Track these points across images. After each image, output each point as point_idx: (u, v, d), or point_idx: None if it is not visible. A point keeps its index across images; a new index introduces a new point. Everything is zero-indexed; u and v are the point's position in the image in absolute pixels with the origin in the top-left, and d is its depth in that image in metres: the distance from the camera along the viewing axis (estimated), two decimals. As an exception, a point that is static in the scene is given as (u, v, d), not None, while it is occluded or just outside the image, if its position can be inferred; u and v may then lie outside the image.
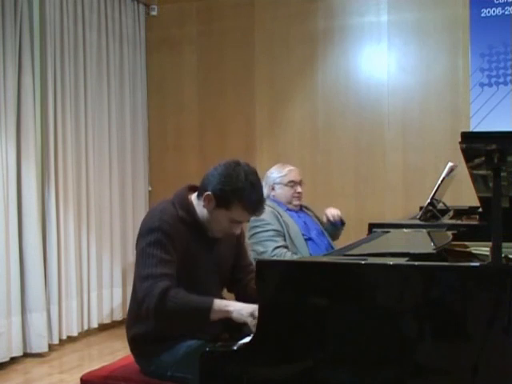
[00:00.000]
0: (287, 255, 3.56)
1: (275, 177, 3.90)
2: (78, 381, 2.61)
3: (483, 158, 1.80)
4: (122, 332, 2.75)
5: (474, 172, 2.04)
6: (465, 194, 4.42)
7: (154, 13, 6.21)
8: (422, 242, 2.67)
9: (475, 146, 1.72)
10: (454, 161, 3.64)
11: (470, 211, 3.92)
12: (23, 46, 4.70)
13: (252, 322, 2.15)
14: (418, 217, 3.42)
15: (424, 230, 2.92)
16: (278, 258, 3.47)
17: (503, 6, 5.18)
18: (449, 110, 5.36)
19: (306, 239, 3.75)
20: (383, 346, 1.80)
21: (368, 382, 1.82)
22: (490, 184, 1.81)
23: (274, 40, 5.85)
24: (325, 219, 3.91)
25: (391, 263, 1.85)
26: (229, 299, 2.43)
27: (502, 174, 1.78)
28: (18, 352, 4.60)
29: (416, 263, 1.87)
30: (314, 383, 1.85)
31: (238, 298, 2.60)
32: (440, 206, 3.74)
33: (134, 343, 2.52)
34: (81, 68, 5.31)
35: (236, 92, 5.96)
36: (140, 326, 2.48)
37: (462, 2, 5.29)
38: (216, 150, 5.77)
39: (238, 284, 2.67)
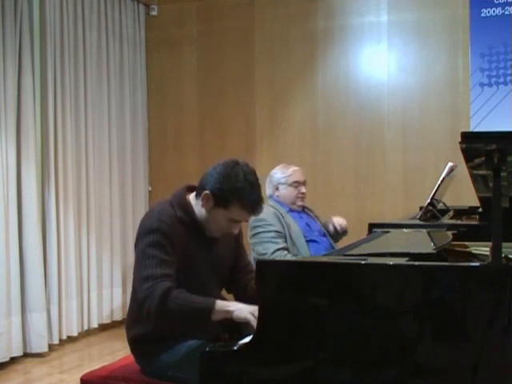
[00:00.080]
0: (287, 258, 3.55)
1: (279, 177, 3.90)
2: (78, 381, 2.61)
3: (483, 158, 1.80)
4: (122, 332, 2.75)
5: (474, 172, 2.04)
6: (465, 194, 4.42)
7: (154, 13, 6.21)
8: (422, 242, 2.67)
9: (475, 145, 1.72)
10: (453, 161, 3.64)
11: (469, 211, 3.92)
12: (23, 46, 4.70)
13: (253, 322, 2.15)
14: (418, 217, 3.42)
15: (424, 230, 2.91)
16: (278, 258, 3.48)
17: (503, 6, 5.18)
18: (449, 110, 5.36)
19: (307, 241, 3.75)
20: (383, 346, 1.80)
21: (368, 382, 1.82)
22: (490, 184, 1.81)
23: (274, 40, 5.85)
24: (331, 227, 3.89)
25: (391, 263, 1.85)
26: (229, 300, 2.43)
27: (502, 174, 1.78)
28: (18, 352, 4.60)
29: (416, 263, 1.87)
30: (314, 383, 1.85)
31: (238, 299, 2.60)
32: (440, 206, 3.74)
33: (134, 343, 2.52)
34: (81, 68, 5.31)
35: (236, 92, 5.96)
36: (140, 326, 2.48)
37: (462, 2, 5.29)
38: (216, 149, 5.77)
39: (236, 284, 2.66)
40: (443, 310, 1.77)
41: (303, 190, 3.90)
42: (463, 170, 2.36)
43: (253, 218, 3.75)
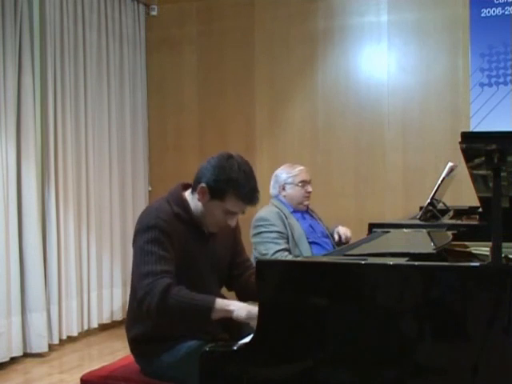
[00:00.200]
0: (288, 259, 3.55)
1: (286, 177, 3.90)
2: (78, 381, 2.61)
3: (483, 158, 1.80)
4: (122, 332, 2.76)
5: (474, 172, 2.04)
6: (465, 194, 4.42)
7: (154, 13, 6.21)
8: (422, 242, 2.67)
9: (475, 145, 1.72)
10: (453, 161, 3.64)
11: (470, 211, 3.93)
12: (23, 46, 4.70)
13: (254, 322, 2.15)
14: (418, 217, 3.42)
15: (424, 230, 2.92)
16: (278, 258, 3.48)
17: (503, 6, 5.18)
18: (449, 110, 5.36)
19: (310, 242, 3.75)
20: (383, 346, 1.80)
21: (368, 382, 1.82)
22: (490, 184, 1.81)
23: (274, 40, 5.85)
24: (336, 236, 3.89)
25: (391, 263, 1.85)
26: (229, 298, 2.43)
27: (502, 174, 1.78)
28: (17, 352, 4.60)
29: (416, 263, 1.87)
30: (313, 383, 1.85)
31: (239, 296, 2.60)
32: (440, 206, 3.74)
33: (134, 343, 2.52)
34: (81, 68, 5.31)
35: (236, 92, 5.96)
36: (139, 326, 2.48)
37: (462, 2, 5.29)
38: (216, 149, 5.68)
39: (236, 281, 2.66)
40: (443, 310, 1.77)
41: (309, 189, 3.91)
42: (463, 170, 2.36)
43: (256, 217, 3.78)
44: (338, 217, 5.21)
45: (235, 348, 1.95)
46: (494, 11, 5.20)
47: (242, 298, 2.47)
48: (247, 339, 1.98)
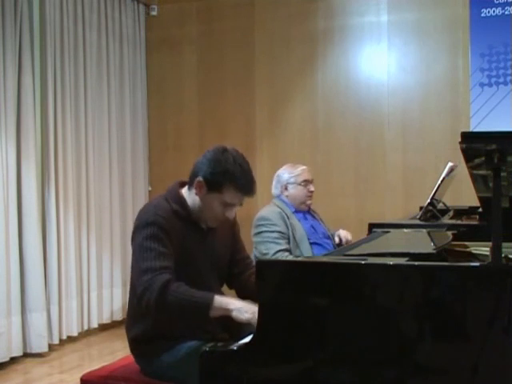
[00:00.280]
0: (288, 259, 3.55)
1: (288, 177, 3.90)
2: (78, 381, 2.61)
3: (483, 158, 1.80)
4: (122, 332, 2.76)
5: (474, 172, 2.04)
6: (465, 194, 4.42)
7: (154, 13, 6.21)
8: (422, 242, 2.67)
9: (475, 145, 1.72)
10: (453, 161, 3.64)
11: (470, 211, 3.93)
12: (23, 46, 4.70)
13: (253, 321, 2.15)
14: (418, 217, 3.42)
15: (424, 230, 2.92)
16: (279, 258, 3.48)
17: (503, 5, 5.18)
18: (449, 110, 5.36)
19: (311, 243, 3.75)
20: (383, 346, 1.80)
21: (368, 382, 1.82)
22: (490, 184, 1.81)
23: (274, 40, 5.85)
24: (337, 239, 3.89)
25: (391, 263, 1.85)
26: (229, 296, 2.42)
27: (502, 174, 1.78)
28: (17, 352, 4.60)
29: (416, 263, 1.87)
30: (314, 383, 1.85)
31: (239, 295, 2.60)
32: (440, 206, 3.74)
33: (135, 343, 2.52)
34: (81, 68, 5.31)
35: (236, 92, 5.96)
36: (140, 325, 2.48)
37: (462, 2, 5.29)
38: (216, 150, 5.76)
39: (236, 279, 2.66)
40: (443, 310, 1.77)
41: (312, 188, 3.91)
42: (463, 170, 2.36)
43: (257, 216, 3.78)
44: (338, 217, 5.22)
45: (235, 348, 1.95)
46: (493, 11, 5.20)
47: (242, 297, 2.47)
48: (247, 339, 1.98)
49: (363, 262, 1.86)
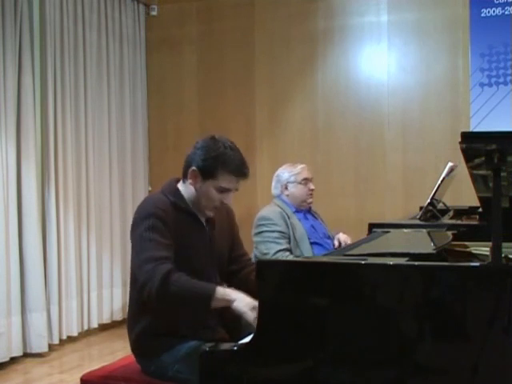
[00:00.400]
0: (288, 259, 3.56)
1: (288, 176, 3.90)
2: (78, 381, 2.61)
3: (483, 158, 1.80)
4: (122, 332, 2.76)
5: (474, 172, 2.04)
6: (465, 194, 4.42)
7: (154, 13, 6.21)
8: (422, 242, 2.67)
9: (475, 145, 1.72)
10: (453, 161, 3.64)
11: (470, 211, 3.93)
12: (23, 46, 4.70)
13: (251, 317, 2.15)
14: (418, 217, 3.42)
15: (424, 230, 2.92)
16: (279, 258, 3.48)
17: (503, 6, 5.18)
18: (449, 110, 5.36)
19: (311, 243, 3.75)
20: (383, 345, 1.80)
21: (368, 382, 1.82)
22: (490, 184, 1.81)
23: (274, 40, 5.85)
24: (336, 242, 3.89)
25: (391, 263, 1.85)
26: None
27: (502, 174, 1.78)
28: (17, 352, 4.60)
29: (416, 263, 1.87)
30: (314, 383, 1.85)
31: None
32: (440, 206, 3.74)
33: (136, 343, 2.52)
34: (81, 68, 5.30)
35: (236, 92, 5.96)
36: (140, 323, 2.48)
37: (462, 2, 5.29)
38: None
39: (235, 277, 2.67)
40: (443, 310, 1.77)
41: (312, 186, 3.92)
42: (463, 170, 2.36)
43: (258, 216, 3.79)
44: (338, 217, 5.22)
45: (235, 348, 1.95)
46: (493, 11, 5.19)
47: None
48: (247, 339, 1.98)
49: (363, 262, 1.86)
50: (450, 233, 2.74)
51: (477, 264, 1.97)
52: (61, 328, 4.99)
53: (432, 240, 2.72)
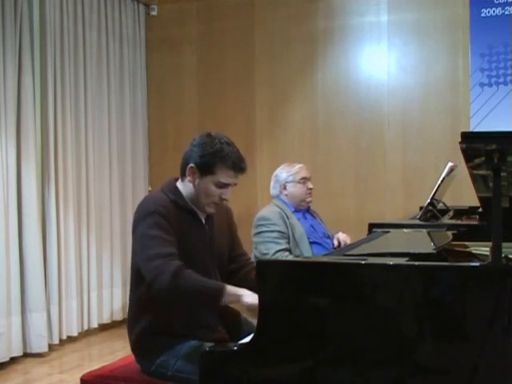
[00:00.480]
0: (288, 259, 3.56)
1: (286, 176, 3.91)
2: (78, 381, 2.62)
3: (483, 158, 1.80)
4: (122, 332, 2.76)
5: (474, 172, 2.04)
6: (465, 194, 4.42)
7: (154, 13, 6.21)
8: (422, 242, 2.67)
9: (475, 145, 1.72)
10: (453, 161, 3.64)
11: (470, 211, 3.93)
12: (23, 46, 4.70)
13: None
14: (418, 217, 3.42)
15: (424, 230, 2.91)
16: (279, 258, 3.48)
17: (503, 5, 5.18)
18: (449, 110, 5.36)
19: (311, 242, 3.75)
20: (383, 346, 1.80)
21: (368, 382, 1.82)
22: (490, 184, 1.81)
23: (274, 40, 5.85)
24: (335, 242, 3.89)
25: (391, 263, 1.85)
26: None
27: (502, 174, 1.78)
28: (17, 352, 4.60)
29: (416, 263, 1.87)
30: (314, 383, 1.85)
31: None
32: (440, 206, 3.74)
33: (136, 342, 2.52)
34: (81, 68, 5.30)
35: (236, 92, 5.96)
36: (141, 322, 2.49)
37: (462, 2, 5.29)
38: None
39: (235, 276, 2.68)
40: (443, 310, 1.77)
41: (310, 185, 3.92)
42: (463, 170, 2.36)
43: (257, 216, 3.79)
44: (338, 217, 5.22)
45: (235, 348, 1.95)
46: (493, 11, 5.20)
47: None
48: (247, 339, 1.98)
49: (363, 262, 1.86)
50: (450, 233, 2.74)
51: (477, 264, 1.97)
52: (61, 328, 4.99)
53: (432, 240, 2.72)
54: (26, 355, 4.69)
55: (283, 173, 3.93)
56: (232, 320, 2.64)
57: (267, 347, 1.89)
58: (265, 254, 3.64)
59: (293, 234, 3.71)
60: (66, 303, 5.03)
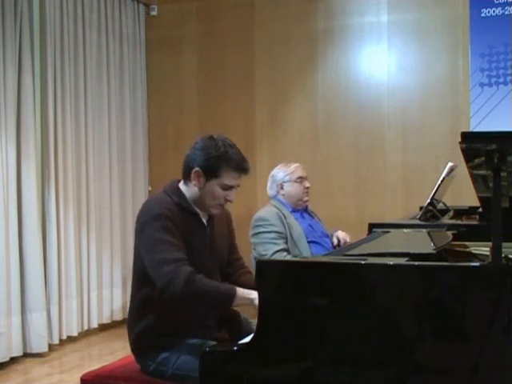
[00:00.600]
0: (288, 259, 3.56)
1: (282, 175, 3.91)
2: (78, 381, 2.62)
3: (483, 158, 1.80)
4: (122, 332, 2.76)
5: (474, 172, 2.03)
6: (465, 194, 4.42)
7: (154, 13, 6.21)
8: (422, 242, 2.67)
9: (475, 145, 1.72)
10: (453, 161, 3.64)
11: (470, 211, 3.93)
12: (23, 46, 4.70)
13: None
14: (418, 217, 3.42)
15: (424, 230, 2.92)
16: (278, 258, 3.48)
17: (503, 5, 5.18)
18: (449, 110, 5.36)
19: (309, 242, 3.75)
20: (383, 345, 1.80)
21: (368, 382, 1.82)
22: (490, 184, 1.81)
23: (274, 40, 5.85)
24: (335, 240, 3.89)
25: (391, 263, 1.85)
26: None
27: (502, 174, 1.78)
28: (17, 352, 4.60)
29: (416, 263, 1.87)
30: (314, 383, 1.85)
31: None
32: (440, 206, 3.74)
33: (136, 341, 2.53)
34: (81, 68, 5.30)
35: (236, 92, 5.96)
36: (143, 322, 2.49)
37: (462, 2, 5.29)
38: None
39: (228, 280, 2.69)
40: (443, 310, 1.77)
41: (307, 184, 3.93)
42: (463, 170, 2.36)
43: (255, 217, 3.79)
44: (337, 217, 5.22)
45: (235, 348, 1.95)
46: (493, 11, 5.19)
47: None
48: (247, 339, 1.98)
49: (363, 262, 1.86)
50: (450, 233, 2.74)
51: (477, 264, 1.97)
52: (61, 328, 4.99)
53: (432, 240, 2.72)
54: (25, 355, 4.69)
55: (280, 173, 3.94)
56: (232, 320, 2.64)
57: (267, 347, 1.89)
58: (263, 255, 3.64)
59: (290, 233, 3.71)
60: (66, 303, 5.03)
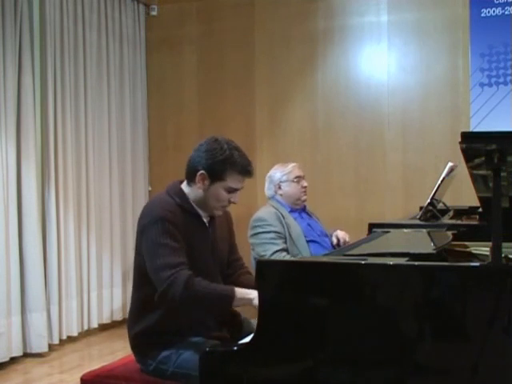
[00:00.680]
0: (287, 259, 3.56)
1: (280, 175, 3.92)
2: (78, 381, 2.62)
3: (483, 158, 1.80)
4: (122, 332, 2.76)
5: (474, 172, 2.03)
6: (465, 194, 4.42)
7: (154, 13, 6.21)
8: (422, 242, 2.67)
9: (475, 145, 1.72)
10: (453, 161, 3.64)
11: (470, 211, 3.93)
12: (23, 46, 4.70)
13: None
14: (418, 217, 3.42)
15: (424, 230, 2.92)
16: (278, 259, 3.48)
17: (503, 5, 5.18)
18: (449, 110, 5.36)
19: (308, 241, 3.75)
20: (383, 345, 1.80)
21: (368, 382, 1.82)
22: (490, 184, 1.81)
23: (274, 40, 5.85)
24: (334, 239, 3.89)
25: (391, 263, 1.85)
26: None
27: (502, 174, 1.78)
28: (17, 352, 4.60)
29: (416, 263, 1.87)
30: (314, 383, 1.85)
31: None
32: (440, 206, 3.74)
33: (137, 341, 2.53)
34: (81, 68, 5.30)
35: (236, 92, 5.96)
36: (143, 321, 2.49)
37: (462, 2, 5.29)
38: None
39: (227, 280, 2.69)
40: (443, 310, 1.77)
41: (305, 183, 3.93)
42: (463, 170, 2.36)
43: (253, 217, 3.79)
44: (337, 217, 5.22)
45: (235, 348, 1.95)
46: (493, 11, 5.19)
47: None
48: (247, 339, 1.98)
49: (363, 262, 1.86)
50: (450, 233, 2.74)
51: (477, 264, 1.97)
52: (61, 328, 4.99)
53: (432, 240, 2.72)
54: (25, 355, 4.69)
55: (277, 173, 3.94)
56: (232, 320, 2.64)
57: (267, 347, 1.89)
58: (262, 256, 3.64)
59: (289, 233, 3.71)
60: (66, 303, 5.03)
